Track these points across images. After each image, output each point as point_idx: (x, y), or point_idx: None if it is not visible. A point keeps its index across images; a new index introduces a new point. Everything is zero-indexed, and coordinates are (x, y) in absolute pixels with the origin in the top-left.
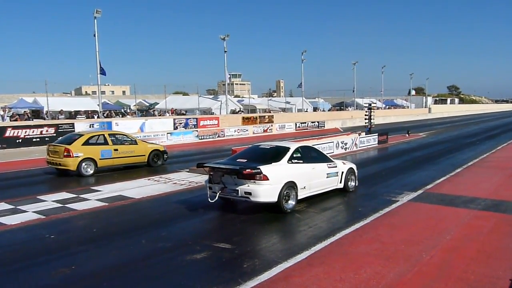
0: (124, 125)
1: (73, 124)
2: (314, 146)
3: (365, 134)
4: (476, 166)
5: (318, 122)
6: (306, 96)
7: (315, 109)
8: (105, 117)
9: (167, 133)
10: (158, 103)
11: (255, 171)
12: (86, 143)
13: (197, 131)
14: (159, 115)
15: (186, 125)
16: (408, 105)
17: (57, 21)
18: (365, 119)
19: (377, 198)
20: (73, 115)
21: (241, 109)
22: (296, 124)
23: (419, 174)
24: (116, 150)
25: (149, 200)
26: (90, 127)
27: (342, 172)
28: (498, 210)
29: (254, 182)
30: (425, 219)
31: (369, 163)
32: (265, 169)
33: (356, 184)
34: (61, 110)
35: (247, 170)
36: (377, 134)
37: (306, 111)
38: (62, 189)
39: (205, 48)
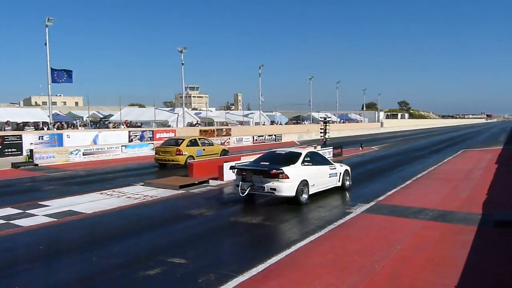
0: (76, 137)
1: (20, 136)
2: (318, 152)
3: (321, 147)
4: (424, 178)
5: (275, 135)
6: (263, 110)
7: (272, 123)
8: (57, 129)
9: (122, 146)
10: (113, 115)
11: (279, 171)
12: (188, 144)
13: (153, 143)
14: (113, 127)
15: (141, 138)
16: (361, 119)
17: (5, 30)
18: (321, 132)
19: (332, 210)
20: (20, 126)
21: (199, 122)
22: (253, 137)
23: (372, 186)
24: (204, 149)
25: (101, 215)
26: (39, 139)
27: (340, 173)
28: (445, 220)
29: (278, 180)
30: (377, 230)
31: None
32: (286, 169)
33: (350, 183)
34: (8, 121)
35: (273, 170)
36: (332, 147)
37: (264, 125)
38: (7, 204)
39: (163, 60)
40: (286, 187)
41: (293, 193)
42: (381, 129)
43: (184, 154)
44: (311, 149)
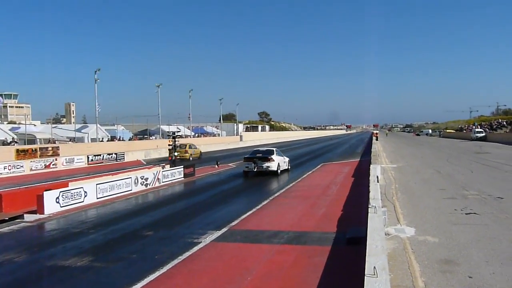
0: None
1: None
2: (278, 150)
3: (170, 167)
4: (282, 196)
5: (116, 154)
6: (102, 123)
7: (113, 138)
8: None
9: None
10: None
11: (270, 157)
12: (188, 147)
13: None
14: None
15: None
16: (219, 132)
17: None
18: (169, 149)
19: (178, 241)
20: None
21: (15, 140)
22: (88, 157)
23: (225, 210)
24: (193, 149)
25: None
26: None
27: (288, 161)
28: (299, 242)
29: (269, 161)
30: (227, 260)
31: (172, 201)
32: (272, 157)
33: (289, 167)
34: None
35: (269, 157)
36: (182, 166)
37: (102, 141)
38: None
39: None
40: (273, 165)
41: (275, 169)
42: (241, 143)
43: (188, 153)
44: (158, 169)
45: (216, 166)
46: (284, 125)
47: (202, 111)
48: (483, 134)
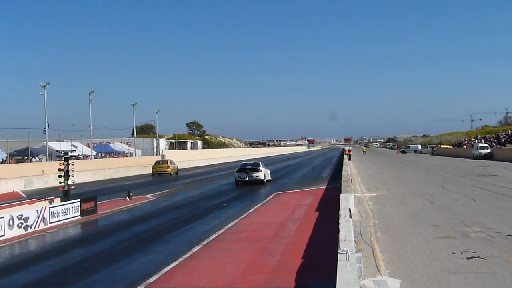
0: None
1: None
2: (262, 162)
3: (61, 201)
4: (220, 240)
5: None
6: None
7: None
8: None
9: None
10: None
11: (259, 168)
12: (169, 163)
13: None
14: None
15: None
16: (132, 151)
17: None
18: (60, 175)
19: None
20: None
21: None
22: None
23: (140, 261)
24: (173, 165)
25: None
26: None
27: (270, 172)
28: None
29: (258, 172)
30: None
31: (63, 250)
32: (261, 168)
33: (270, 179)
34: None
35: (258, 168)
36: (79, 200)
37: None
38: None
39: None
40: (261, 175)
41: (263, 178)
42: None
43: (170, 168)
44: (44, 204)
45: (128, 199)
46: (223, 141)
47: (108, 122)
48: (489, 151)
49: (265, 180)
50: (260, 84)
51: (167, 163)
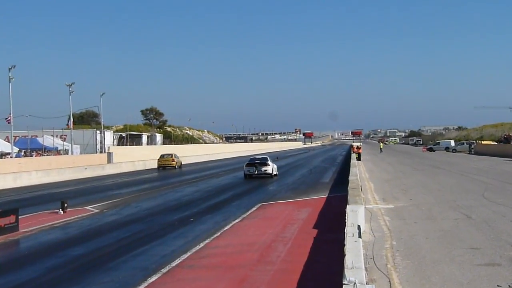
0: None
1: None
2: (269, 157)
3: None
4: (185, 267)
5: None
6: None
7: None
8: None
9: None
10: None
11: (267, 162)
12: (174, 156)
13: None
14: None
15: None
16: (68, 147)
17: None
18: None
19: None
20: None
21: None
22: None
23: None
24: (177, 159)
25: None
26: None
27: (276, 167)
28: None
29: (267, 166)
30: None
31: None
32: (269, 162)
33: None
34: None
35: (267, 162)
36: None
37: None
38: None
39: None
40: (269, 169)
41: (271, 172)
42: (109, 166)
43: (175, 161)
44: None
45: (61, 212)
46: (190, 133)
47: (36, 109)
48: None
49: (272, 174)
50: (241, 61)
51: (171, 157)
